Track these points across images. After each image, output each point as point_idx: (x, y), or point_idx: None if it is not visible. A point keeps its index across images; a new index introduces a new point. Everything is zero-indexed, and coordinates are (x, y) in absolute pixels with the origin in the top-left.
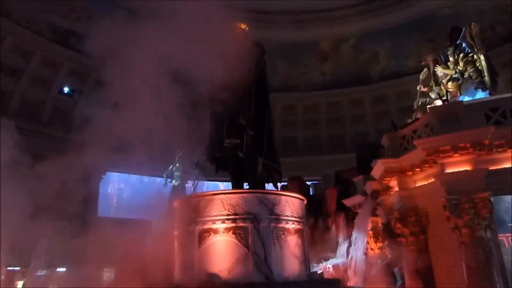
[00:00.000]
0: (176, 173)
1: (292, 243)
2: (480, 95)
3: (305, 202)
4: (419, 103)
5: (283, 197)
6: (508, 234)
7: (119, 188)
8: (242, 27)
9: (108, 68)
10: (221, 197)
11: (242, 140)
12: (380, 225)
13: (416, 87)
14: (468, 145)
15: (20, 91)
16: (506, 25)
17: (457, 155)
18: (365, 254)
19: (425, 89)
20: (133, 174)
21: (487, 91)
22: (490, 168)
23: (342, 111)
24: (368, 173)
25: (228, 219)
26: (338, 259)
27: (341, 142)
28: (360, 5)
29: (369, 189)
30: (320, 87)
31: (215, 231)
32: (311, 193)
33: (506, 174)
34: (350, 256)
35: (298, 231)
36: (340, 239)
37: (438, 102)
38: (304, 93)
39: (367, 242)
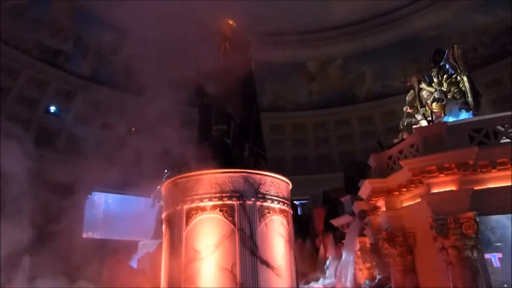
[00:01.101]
0: (164, 194)
1: (278, 222)
2: (464, 115)
3: (290, 186)
4: (405, 124)
5: (268, 178)
6: (494, 254)
7: (106, 207)
8: (230, 23)
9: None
10: (208, 177)
11: (230, 128)
12: (368, 245)
13: (402, 107)
14: (453, 165)
15: (6, 110)
16: (488, 47)
17: (443, 175)
18: (354, 274)
19: (411, 110)
20: (120, 194)
21: (471, 112)
22: (475, 188)
23: (330, 131)
24: (356, 193)
25: (215, 197)
26: (327, 280)
27: (328, 162)
28: (346, 27)
29: (356, 209)
30: (308, 107)
31: (203, 209)
32: (299, 213)
33: (491, 194)
34: (338, 276)
35: (283, 211)
36: (329, 260)
37: (424, 123)
38: (292, 112)
39: (355, 263)
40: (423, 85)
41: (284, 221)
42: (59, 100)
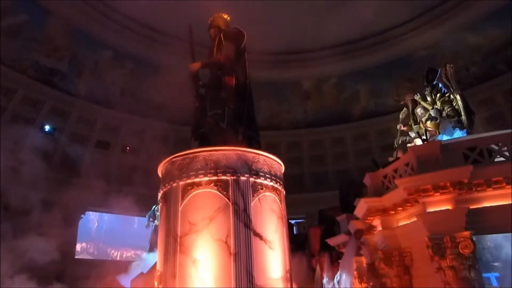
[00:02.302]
0: (158, 213)
1: (270, 198)
2: (458, 134)
3: (283, 168)
4: (399, 142)
5: (261, 156)
6: (492, 273)
7: (99, 227)
8: (224, 16)
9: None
10: (203, 154)
11: (224, 112)
12: (364, 265)
13: (396, 125)
14: (448, 184)
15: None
16: (480, 66)
17: (438, 194)
18: None
19: (405, 128)
20: (114, 214)
21: (465, 130)
22: (471, 207)
23: (325, 149)
24: (352, 212)
25: (210, 173)
26: None
27: (324, 180)
28: (340, 46)
29: (352, 229)
30: (303, 125)
31: (198, 184)
32: (294, 232)
33: (487, 213)
34: None
35: (276, 189)
36: (325, 280)
37: (418, 141)
38: (287, 131)
39: (352, 283)
40: (422, 103)
41: (277, 199)
42: (53, 119)
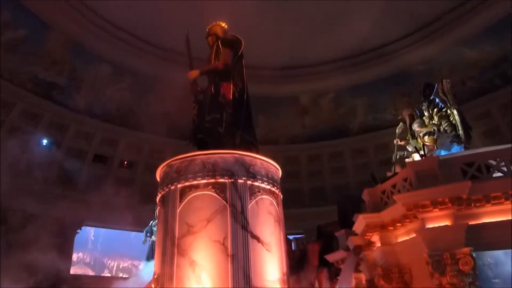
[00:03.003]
0: (155, 229)
1: (267, 201)
2: (456, 148)
3: (280, 172)
4: (397, 157)
5: (258, 160)
6: None
7: (96, 237)
8: (222, 24)
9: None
10: (201, 157)
11: (222, 117)
12: (364, 281)
13: (393, 140)
14: (446, 200)
15: None
16: (476, 80)
17: (437, 209)
18: None
19: (402, 143)
20: (111, 229)
21: (462, 145)
22: (471, 223)
23: (323, 164)
24: (351, 227)
25: (208, 176)
26: None
27: (322, 195)
28: (337, 61)
29: (351, 245)
30: (301, 140)
31: (196, 187)
32: (293, 248)
33: (487, 229)
34: None
35: (273, 193)
36: None
37: (416, 155)
38: (285, 145)
39: None
40: (415, 126)
41: (274, 202)
42: (52, 132)
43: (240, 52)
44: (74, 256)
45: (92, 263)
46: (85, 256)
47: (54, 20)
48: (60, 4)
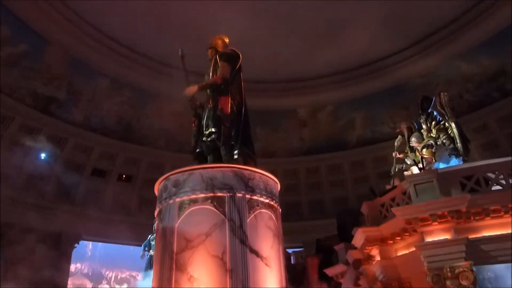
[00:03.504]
0: (153, 243)
1: (266, 215)
2: (454, 161)
3: (279, 185)
4: (396, 170)
5: (257, 174)
6: None
7: (94, 247)
8: (223, 37)
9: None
10: (200, 171)
11: (220, 131)
12: None
13: (392, 153)
14: (445, 213)
15: None
16: (473, 94)
17: (436, 223)
18: None
19: (401, 156)
20: (109, 243)
21: (461, 158)
22: (470, 237)
23: (322, 177)
24: (350, 241)
25: (206, 190)
26: None
27: (321, 208)
28: (336, 75)
29: (350, 258)
30: (300, 153)
31: (194, 201)
32: (292, 262)
33: (487, 242)
34: None
35: (272, 206)
36: None
37: (415, 168)
38: (283, 158)
39: None
40: (414, 142)
41: (273, 216)
42: (50, 147)
43: (238, 66)
44: (72, 267)
45: (90, 273)
46: (83, 267)
47: (54, 35)
48: (59, 20)
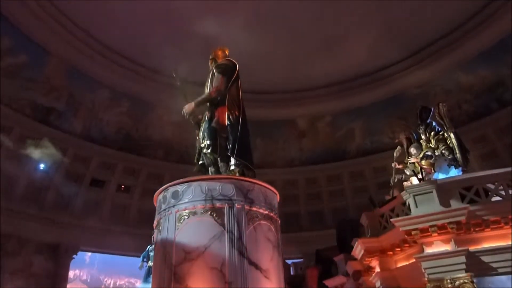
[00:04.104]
0: (152, 254)
1: (265, 227)
2: (454, 172)
3: (278, 197)
4: (395, 180)
5: (256, 185)
6: None
7: (92, 259)
8: (223, 49)
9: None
10: (199, 183)
11: (216, 142)
12: None
13: (391, 163)
14: (445, 224)
15: None
16: (472, 104)
17: (436, 234)
18: None
19: (400, 166)
20: (107, 254)
21: (460, 168)
22: (471, 248)
23: (321, 187)
24: (349, 252)
25: (205, 201)
26: None
27: (320, 218)
28: (334, 85)
29: (350, 270)
30: (299, 163)
31: (193, 212)
32: (291, 273)
33: (487, 254)
34: None
35: (271, 218)
36: None
37: (414, 179)
38: (282, 169)
39: None
40: (412, 159)
41: (272, 228)
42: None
43: (234, 76)
44: (71, 273)
45: (88, 280)
46: (81, 273)
47: (54, 46)
48: (60, 31)
